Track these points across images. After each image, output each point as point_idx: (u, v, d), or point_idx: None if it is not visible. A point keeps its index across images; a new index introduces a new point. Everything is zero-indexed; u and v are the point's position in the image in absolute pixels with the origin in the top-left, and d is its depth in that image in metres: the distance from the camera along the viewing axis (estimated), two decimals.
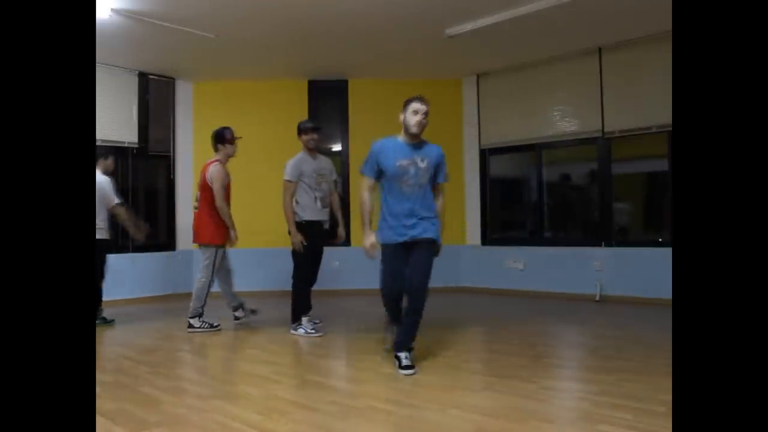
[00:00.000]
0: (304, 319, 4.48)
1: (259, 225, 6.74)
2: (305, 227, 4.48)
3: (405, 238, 3.24)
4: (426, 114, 3.23)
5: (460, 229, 7.22)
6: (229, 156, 4.78)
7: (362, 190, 3.34)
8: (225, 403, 2.70)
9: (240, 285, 6.82)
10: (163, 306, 6.29)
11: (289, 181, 4.48)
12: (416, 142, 3.29)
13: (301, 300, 4.52)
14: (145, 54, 6.15)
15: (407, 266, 3.24)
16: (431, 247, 3.27)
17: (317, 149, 4.66)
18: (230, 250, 6.02)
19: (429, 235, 3.25)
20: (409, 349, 3.29)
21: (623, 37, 5.84)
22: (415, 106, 3.22)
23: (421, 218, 3.25)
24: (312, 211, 4.51)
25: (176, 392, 2.91)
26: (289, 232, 4.51)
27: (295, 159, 4.55)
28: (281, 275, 5.93)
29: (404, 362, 3.20)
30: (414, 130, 3.21)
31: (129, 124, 6.67)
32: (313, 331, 4.41)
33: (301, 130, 4.62)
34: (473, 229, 7.19)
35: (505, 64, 6.75)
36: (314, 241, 4.53)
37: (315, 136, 4.60)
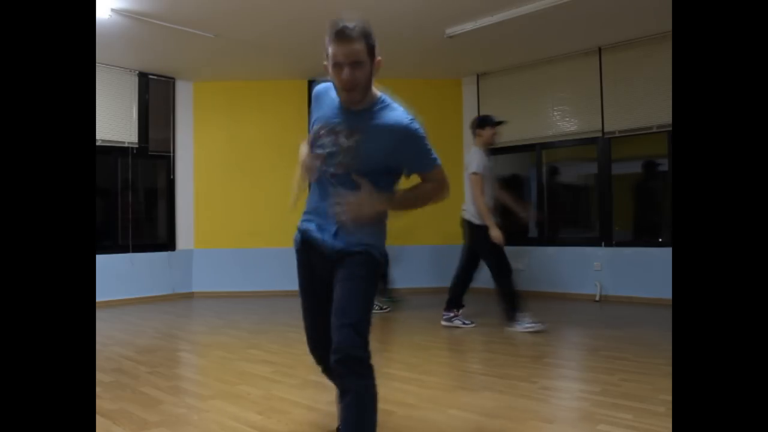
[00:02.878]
0: (521, 315, 4.36)
1: (260, 225, 6.74)
2: (483, 229, 4.29)
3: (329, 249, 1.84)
4: (358, 63, 1.76)
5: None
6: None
7: None
8: (225, 403, 2.70)
9: (241, 285, 6.86)
10: (163, 306, 6.29)
11: (475, 173, 4.23)
12: (356, 105, 1.82)
13: (514, 295, 4.38)
14: (145, 54, 6.15)
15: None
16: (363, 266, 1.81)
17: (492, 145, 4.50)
18: (230, 250, 5.97)
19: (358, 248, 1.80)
20: None
21: (623, 37, 5.84)
22: (333, 49, 1.78)
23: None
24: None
25: (176, 392, 2.91)
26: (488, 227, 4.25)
27: (477, 152, 4.34)
28: (283, 275, 5.94)
29: None
30: (339, 86, 1.80)
31: (129, 124, 6.67)
32: (532, 325, 4.31)
33: (487, 124, 4.43)
34: None
35: (505, 64, 6.75)
36: None
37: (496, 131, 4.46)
